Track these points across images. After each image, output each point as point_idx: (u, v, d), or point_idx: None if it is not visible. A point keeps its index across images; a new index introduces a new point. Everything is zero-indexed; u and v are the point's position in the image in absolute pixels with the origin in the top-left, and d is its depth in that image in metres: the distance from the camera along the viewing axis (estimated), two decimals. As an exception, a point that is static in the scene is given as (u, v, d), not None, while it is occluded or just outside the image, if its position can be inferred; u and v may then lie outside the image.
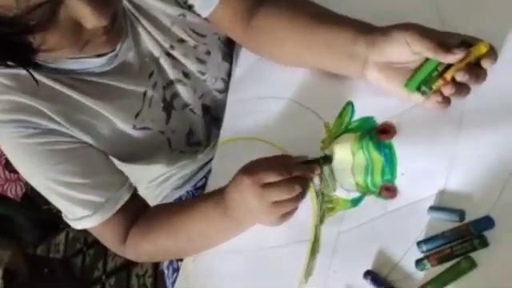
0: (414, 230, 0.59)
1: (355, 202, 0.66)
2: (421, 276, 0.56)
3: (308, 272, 0.66)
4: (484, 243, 0.53)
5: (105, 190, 0.75)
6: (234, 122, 0.86)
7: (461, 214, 0.56)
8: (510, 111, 0.56)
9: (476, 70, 0.56)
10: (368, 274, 0.60)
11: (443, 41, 0.57)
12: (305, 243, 0.68)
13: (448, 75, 0.57)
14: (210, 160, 0.93)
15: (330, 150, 0.69)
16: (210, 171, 0.88)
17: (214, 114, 0.93)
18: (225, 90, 0.92)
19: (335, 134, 0.70)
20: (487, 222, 0.54)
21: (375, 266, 0.60)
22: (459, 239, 0.55)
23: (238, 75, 0.90)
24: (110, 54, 0.73)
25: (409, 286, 0.57)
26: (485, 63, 0.56)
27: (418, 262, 0.57)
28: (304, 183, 0.67)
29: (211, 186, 0.83)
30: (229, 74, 0.92)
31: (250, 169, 0.67)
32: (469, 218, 0.55)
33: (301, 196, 0.67)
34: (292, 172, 0.65)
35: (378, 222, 0.63)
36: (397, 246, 0.59)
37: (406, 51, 0.59)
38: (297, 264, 0.67)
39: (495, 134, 0.56)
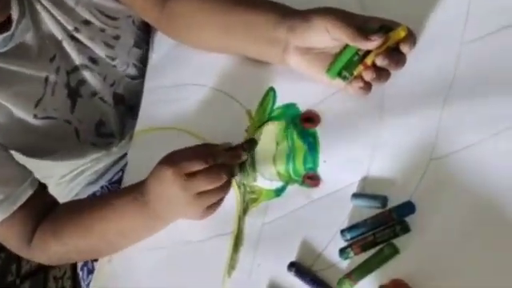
0: (338, 218, 0.58)
1: (278, 192, 0.64)
2: (345, 265, 0.55)
3: (231, 266, 0.63)
4: (406, 229, 0.53)
5: (4, 186, 0.68)
6: (150, 111, 0.81)
7: (383, 200, 0.55)
8: (430, 96, 0.56)
9: (396, 54, 0.56)
10: (292, 265, 0.58)
11: (362, 26, 0.56)
12: (228, 236, 0.65)
13: (368, 60, 0.56)
14: (126, 153, 0.88)
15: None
16: (126, 165, 0.82)
17: (128, 103, 0.87)
18: (139, 77, 0.86)
19: (258, 121, 0.68)
20: (408, 208, 0.53)
21: (299, 256, 0.59)
22: (382, 226, 0.54)
23: (155, 61, 0.85)
24: (5, 35, 0.66)
25: (333, 276, 0.55)
26: (404, 47, 0.55)
27: (342, 251, 0.55)
28: (230, 171, 0.63)
29: (127, 181, 0.77)
30: (144, 60, 0.86)
31: (172, 158, 0.62)
32: (391, 204, 0.55)
33: (227, 185, 0.63)
34: (217, 159, 0.61)
35: (302, 212, 0.61)
36: (321, 235, 0.58)
37: (326, 37, 0.58)
38: (220, 258, 0.64)
39: (416, 118, 0.56)
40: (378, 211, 0.55)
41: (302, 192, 0.62)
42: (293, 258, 0.59)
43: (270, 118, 0.67)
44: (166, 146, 0.67)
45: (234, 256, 0.64)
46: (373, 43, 0.55)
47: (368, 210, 0.56)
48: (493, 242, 0.48)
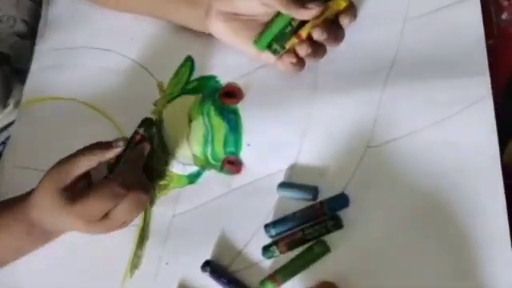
0: (262, 211, 0.51)
1: (192, 179, 0.55)
2: (269, 264, 0.49)
3: (134, 264, 0.54)
4: (338, 225, 0.47)
5: None
6: (42, 76, 0.67)
7: (313, 191, 0.49)
8: (370, 76, 0.50)
9: (334, 27, 0.49)
10: (207, 264, 0.50)
11: None
12: (132, 229, 0.55)
13: (303, 32, 0.49)
14: (11, 123, 0.73)
15: (164, 114, 0.57)
16: (9, 138, 0.69)
17: (15, 65, 0.73)
18: (29, 36, 0.72)
19: (170, 95, 0.58)
20: (342, 201, 0.48)
21: (216, 254, 0.51)
22: (312, 221, 0.48)
23: (50, 17, 0.71)
24: None
25: (255, 277, 0.49)
26: (343, 20, 0.48)
27: (266, 249, 0.48)
28: (145, 187, 0.52)
29: (9, 157, 0.64)
30: (38, 16, 0.73)
31: (77, 206, 0.49)
32: (322, 196, 0.49)
33: (145, 203, 0.52)
34: (126, 181, 0.49)
35: (219, 202, 0.53)
36: (242, 230, 0.51)
37: (255, 2, 0.50)
38: (121, 255, 0.54)
39: (354, 101, 0.50)
40: (308, 204, 0.49)
41: (220, 179, 0.54)
42: (208, 257, 0.51)
43: (185, 92, 0.57)
44: (58, 119, 0.56)
45: (138, 252, 0.54)
46: (310, 12, 0.47)
47: (296, 202, 0.49)
48: (430, 240, 0.45)
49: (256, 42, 0.52)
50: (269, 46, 0.51)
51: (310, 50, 0.49)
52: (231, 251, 0.50)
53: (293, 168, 0.51)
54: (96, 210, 0.48)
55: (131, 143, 0.52)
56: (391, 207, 0.46)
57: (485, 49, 0.45)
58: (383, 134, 0.48)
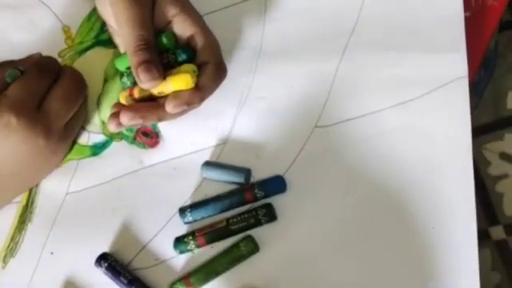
0: (179, 195, 0.41)
1: (96, 150, 0.44)
2: (182, 262, 0.39)
3: (10, 251, 0.42)
4: (271, 215, 0.38)
5: None
6: None
7: (246, 174, 0.39)
8: (327, 43, 0.41)
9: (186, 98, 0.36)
10: (103, 258, 0.39)
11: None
12: (12, 206, 0.43)
13: (136, 91, 0.38)
14: None
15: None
16: None
17: None
18: None
19: (81, 44, 0.47)
20: (277, 184, 0.39)
21: (115, 247, 0.41)
22: (239, 207, 0.39)
23: None
24: None
25: (163, 277, 0.39)
26: (168, 105, 0.36)
27: (179, 241, 0.39)
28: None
29: None
30: None
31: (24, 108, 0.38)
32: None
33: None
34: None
35: (125, 181, 0.43)
36: (150, 218, 0.41)
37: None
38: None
39: (303, 72, 0.41)
40: (237, 188, 0.39)
41: (131, 153, 0.43)
42: (106, 249, 0.41)
43: (99, 42, 0.46)
44: None
45: (16, 237, 0.43)
46: (145, 82, 0.37)
47: (224, 186, 0.40)
48: (380, 243, 0.37)
49: (116, 60, 0.41)
50: (122, 75, 0.40)
51: (132, 122, 0.37)
52: (135, 243, 0.41)
53: (223, 146, 0.41)
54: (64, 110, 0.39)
55: None
56: (337, 199, 0.38)
57: (463, 21, 0.38)
58: (336, 112, 0.40)
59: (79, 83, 0.43)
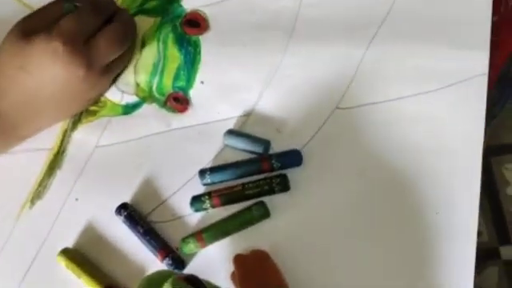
0: (200, 158, 0.43)
1: (128, 109, 0.47)
2: (196, 219, 0.41)
3: (37, 193, 0.45)
4: (284, 185, 0.40)
5: None
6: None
7: (266, 145, 0.41)
8: (357, 29, 0.43)
9: None
10: (123, 208, 0.42)
11: None
12: (43, 153, 0.46)
13: None
14: None
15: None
16: None
17: None
18: None
19: (124, 11, 0.49)
20: (294, 158, 0.41)
21: (135, 199, 0.43)
22: (255, 175, 0.41)
23: None
24: None
25: (176, 232, 0.41)
26: None
27: (195, 199, 0.41)
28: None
29: None
30: None
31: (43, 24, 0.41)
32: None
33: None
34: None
35: (152, 141, 0.45)
36: (171, 176, 0.43)
37: None
38: (24, 181, 0.45)
39: (331, 55, 0.43)
40: (255, 157, 0.41)
41: (160, 115, 0.45)
42: (127, 200, 0.43)
43: (142, 11, 0.49)
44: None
45: (45, 181, 0.45)
46: None
47: (243, 154, 0.42)
48: (386, 223, 0.39)
49: None
50: None
51: None
52: (154, 198, 0.43)
53: (247, 117, 0.43)
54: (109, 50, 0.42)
55: None
56: (349, 177, 0.40)
57: (490, 21, 0.40)
58: (357, 96, 0.42)
59: (129, 29, 0.45)
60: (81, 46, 0.41)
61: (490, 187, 0.94)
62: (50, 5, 0.43)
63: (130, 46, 0.46)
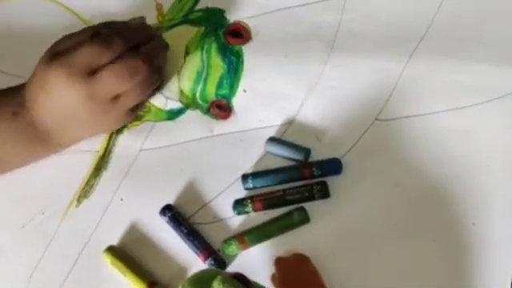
0: (242, 164, 0.45)
1: (172, 115, 0.49)
2: (238, 222, 0.43)
3: (84, 192, 0.47)
4: (324, 192, 0.41)
5: None
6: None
7: (306, 153, 0.43)
8: (396, 45, 0.45)
9: None
10: (167, 209, 0.44)
11: None
12: (91, 154, 0.48)
13: None
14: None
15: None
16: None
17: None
18: None
19: (170, 21, 0.52)
20: (334, 166, 0.42)
21: (179, 201, 0.45)
22: (297, 181, 0.42)
23: None
24: None
25: (219, 233, 0.43)
26: None
27: (238, 203, 0.43)
28: (150, 56, 0.45)
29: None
30: None
31: (59, 51, 0.43)
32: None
33: (151, 78, 0.45)
34: (129, 41, 0.44)
35: (195, 146, 0.47)
36: (214, 180, 0.45)
37: None
38: (72, 180, 0.48)
39: (372, 68, 0.45)
40: (296, 164, 0.43)
41: (203, 122, 0.47)
42: (170, 202, 0.45)
43: (186, 21, 0.51)
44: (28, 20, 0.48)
45: (92, 181, 0.48)
46: None
47: (284, 161, 0.44)
48: (423, 233, 0.40)
49: None
50: None
51: None
52: (197, 201, 0.45)
53: (288, 126, 0.45)
54: (107, 86, 0.43)
55: None
56: (387, 187, 0.41)
57: (529, 39, 0.41)
58: (397, 108, 0.43)
59: (132, 71, 0.44)
60: (81, 78, 0.42)
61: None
62: (79, 31, 0.45)
63: (158, 72, 0.47)
